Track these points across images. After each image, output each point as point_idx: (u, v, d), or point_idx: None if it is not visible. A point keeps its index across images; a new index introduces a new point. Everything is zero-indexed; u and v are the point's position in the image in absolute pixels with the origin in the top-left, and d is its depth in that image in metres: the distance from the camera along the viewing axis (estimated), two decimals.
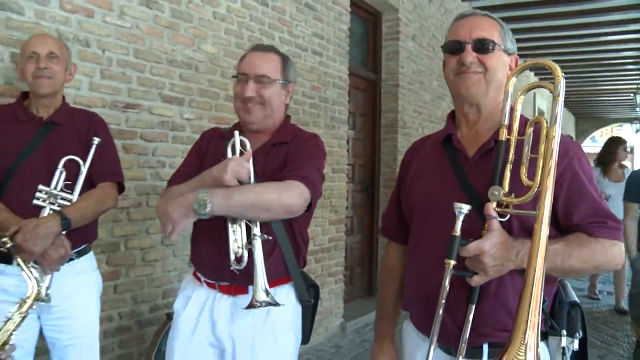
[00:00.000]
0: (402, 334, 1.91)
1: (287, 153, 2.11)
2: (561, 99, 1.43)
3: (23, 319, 1.97)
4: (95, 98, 3.14)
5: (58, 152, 2.43)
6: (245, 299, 2.00)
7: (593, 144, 27.36)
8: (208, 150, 2.22)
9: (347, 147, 5.74)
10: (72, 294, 2.50)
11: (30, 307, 2.00)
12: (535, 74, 12.92)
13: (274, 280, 2.06)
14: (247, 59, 2.16)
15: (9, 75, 2.75)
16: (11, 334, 1.91)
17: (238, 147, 2.03)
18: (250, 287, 1.99)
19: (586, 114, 23.07)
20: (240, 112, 2.15)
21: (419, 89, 7.29)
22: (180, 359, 2.12)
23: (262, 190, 1.92)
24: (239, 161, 1.93)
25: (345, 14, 5.56)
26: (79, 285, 2.55)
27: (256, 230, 1.95)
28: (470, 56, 1.63)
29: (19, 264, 2.05)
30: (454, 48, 1.68)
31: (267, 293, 1.89)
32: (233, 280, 2.06)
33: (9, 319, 1.92)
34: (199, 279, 2.17)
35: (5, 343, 1.87)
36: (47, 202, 2.35)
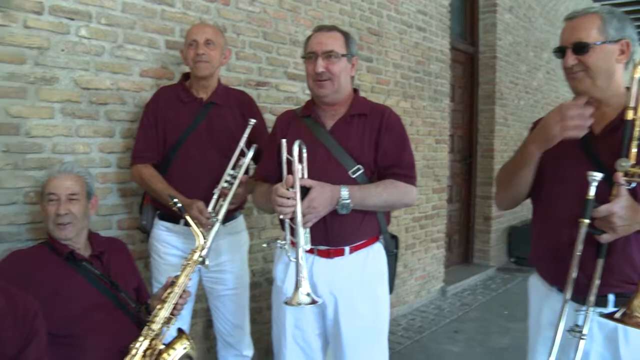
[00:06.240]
0: (529, 288, 2.17)
1: (372, 127, 2.31)
2: None
3: (194, 266, 2.28)
4: (232, 77, 3.50)
5: (217, 128, 2.78)
6: (341, 261, 2.29)
7: None
8: (289, 133, 2.35)
9: (448, 119, 5.91)
10: (226, 251, 2.84)
11: (200, 256, 2.29)
12: None
13: (370, 237, 2.35)
14: (313, 39, 2.31)
15: (165, 60, 3.13)
16: (189, 279, 2.26)
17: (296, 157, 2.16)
18: (347, 248, 2.29)
19: None
20: (313, 88, 2.32)
21: (516, 60, 7.30)
22: (292, 320, 2.36)
23: (387, 196, 2.26)
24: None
25: None
26: (232, 244, 2.89)
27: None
28: (570, 59, 1.83)
29: (186, 222, 2.31)
30: (559, 52, 1.89)
31: (308, 294, 2.04)
32: (330, 244, 2.29)
33: (186, 265, 2.26)
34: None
35: (183, 288, 2.23)
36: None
